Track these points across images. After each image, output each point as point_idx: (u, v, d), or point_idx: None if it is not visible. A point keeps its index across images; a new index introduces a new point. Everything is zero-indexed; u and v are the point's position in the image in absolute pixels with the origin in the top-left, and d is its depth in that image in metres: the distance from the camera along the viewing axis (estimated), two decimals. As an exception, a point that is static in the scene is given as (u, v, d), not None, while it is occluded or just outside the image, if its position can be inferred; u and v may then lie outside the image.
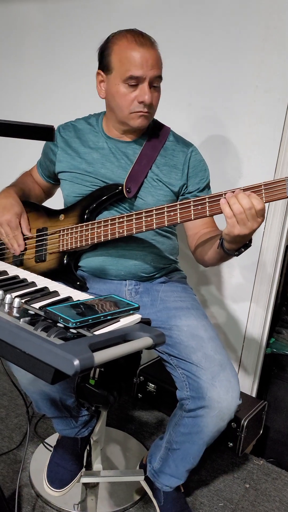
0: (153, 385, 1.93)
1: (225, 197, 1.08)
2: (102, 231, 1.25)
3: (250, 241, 1.15)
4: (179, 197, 1.38)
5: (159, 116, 1.44)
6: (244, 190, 1.08)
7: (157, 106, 1.31)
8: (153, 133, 1.37)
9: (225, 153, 1.87)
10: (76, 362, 0.63)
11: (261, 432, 1.86)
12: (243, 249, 1.15)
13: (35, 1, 2.26)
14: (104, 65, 1.27)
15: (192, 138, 1.49)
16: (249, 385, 1.97)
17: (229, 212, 1.06)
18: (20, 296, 0.87)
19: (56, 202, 1.54)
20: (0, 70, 2.43)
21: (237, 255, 1.17)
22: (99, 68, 1.30)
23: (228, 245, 1.14)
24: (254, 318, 1.93)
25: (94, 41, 1.34)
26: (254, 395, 1.97)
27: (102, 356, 0.68)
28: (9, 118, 0.77)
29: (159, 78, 1.26)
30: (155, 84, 1.25)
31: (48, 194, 1.59)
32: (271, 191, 1.07)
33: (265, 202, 1.07)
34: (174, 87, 1.82)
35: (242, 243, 1.14)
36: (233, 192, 1.08)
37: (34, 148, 1.48)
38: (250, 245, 1.15)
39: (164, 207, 1.18)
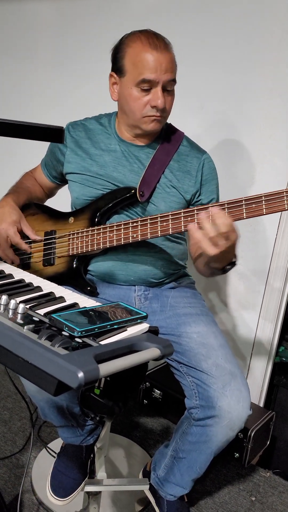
0: (159, 392, 1.90)
1: (197, 222, 1.08)
2: (114, 235, 1.23)
3: (235, 258, 1.17)
4: (189, 205, 1.35)
5: (170, 118, 1.41)
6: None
7: (171, 109, 1.28)
8: (166, 137, 1.34)
9: (237, 157, 1.84)
10: (81, 375, 0.60)
11: (268, 443, 1.82)
12: (228, 267, 1.17)
13: (48, 0, 2.24)
14: (117, 67, 1.25)
15: (204, 142, 1.46)
16: (257, 394, 1.93)
17: (197, 237, 1.05)
18: (25, 301, 0.84)
19: (58, 202, 1.52)
20: (13, 71, 2.42)
21: (223, 273, 1.19)
22: (112, 70, 1.28)
23: (212, 264, 1.16)
24: (264, 325, 1.89)
25: (107, 42, 1.32)
26: (261, 404, 1.93)
27: (108, 368, 0.65)
28: (22, 119, 0.75)
29: (173, 81, 1.23)
30: (168, 88, 1.22)
31: (50, 194, 1.56)
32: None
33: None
34: (187, 89, 1.79)
35: (225, 262, 1.15)
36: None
37: (39, 148, 1.46)
38: (236, 264, 1.17)
39: (180, 211, 1.16)
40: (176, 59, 1.28)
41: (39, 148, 1.46)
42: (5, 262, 1.42)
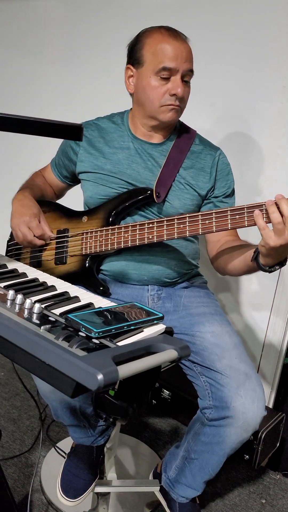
0: (168, 392, 1.89)
1: (263, 208, 1.04)
2: (129, 236, 1.21)
3: (286, 259, 1.11)
4: (204, 201, 1.34)
5: (183, 115, 1.39)
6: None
7: (187, 102, 1.28)
8: (179, 135, 1.34)
9: (250, 156, 1.82)
10: (100, 377, 0.59)
11: (278, 444, 1.81)
12: (277, 267, 1.11)
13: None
14: (134, 59, 1.25)
15: (215, 140, 1.45)
16: (267, 396, 1.91)
17: (262, 223, 1.02)
18: (40, 301, 0.83)
19: (69, 202, 1.50)
20: (22, 67, 2.41)
21: (269, 272, 1.13)
22: (128, 63, 1.28)
23: (263, 260, 1.10)
24: (274, 326, 1.88)
25: (117, 38, 1.31)
26: (271, 406, 1.91)
27: (126, 370, 0.64)
28: (31, 115, 0.74)
29: (191, 72, 1.24)
30: (186, 78, 1.23)
31: (60, 195, 1.55)
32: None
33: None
34: (199, 86, 1.77)
35: (278, 259, 1.09)
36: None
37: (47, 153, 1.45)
38: (285, 264, 1.11)
39: (198, 214, 1.14)
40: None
41: (48, 144, 1.46)
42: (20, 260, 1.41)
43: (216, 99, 1.85)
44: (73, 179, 1.45)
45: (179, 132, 1.35)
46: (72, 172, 1.41)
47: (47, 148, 1.49)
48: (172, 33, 1.22)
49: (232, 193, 1.36)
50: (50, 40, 2.31)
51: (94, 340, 0.71)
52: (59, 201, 1.55)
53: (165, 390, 1.90)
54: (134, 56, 1.25)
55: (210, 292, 1.42)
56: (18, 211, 1.30)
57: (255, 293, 1.91)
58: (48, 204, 1.41)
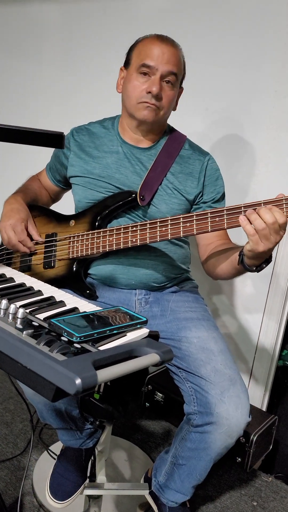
0: (161, 395, 1.90)
1: (244, 214, 1.05)
2: (114, 239, 1.22)
3: (271, 256, 1.12)
4: (193, 206, 1.34)
5: (175, 120, 1.41)
6: (264, 203, 1.05)
7: (169, 105, 1.29)
8: (169, 140, 1.35)
9: (242, 159, 1.83)
10: (78, 381, 0.60)
11: (271, 447, 1.81)
12: (264, 265, 1.12)
13: (55, 2, 2.25)
14: (126, 60, 1.31)
15: (208, 144, 1.46)
16: (260, 398, 1.92)
17: (250, 230, 1.03)
18: (25, 305, 0.84)
19: (63, 206, 1.52)
20: (18, 72, 2.43)
21: (257, 271, 1.14)
22: (123, 65, 1.33)
23: (249, 261, 1.12)
24: (267, 329, 1.89)
25: (114, 41, 1.34)
26: (264, 408, 1.92)
27: (106, 374, 0.65)
28: (27, 122, 0.75)
29: (174, 75, 1.25)
30: (168, 79, 1.24)
31: (55, 198, 1.58)
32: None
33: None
34: (192, 91, 1.79)
35: (264, 259, 1.11)
36: (254, 208, 1.05)
37: (45, 153, 1.46)
38: (271, 261, 1.13)
39: (179, 217, 1.15)
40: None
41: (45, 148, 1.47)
42: (8, 261, 1.42)
43: (210, 102, 1.86)
44: (66, 183, 1.46)
45: (168, 137, 1.35)
46: (64, 176, 1.43)
47: (46, 150, 1.51)
48: (161, 37, 1.26)
49: (221, 198, 1.37)
50: (48, 44, 2.32)
51: (76, 345, 0.72)
52: (54, 205, 1.57)
53: (158, 393, 1.90)
54: (126, 58, 1.31)
55: (199, 297, 1.42)
56: (7, 214, 1.32)
57: (248, 296, 1.92)
58: (38, 208, 1.43)
